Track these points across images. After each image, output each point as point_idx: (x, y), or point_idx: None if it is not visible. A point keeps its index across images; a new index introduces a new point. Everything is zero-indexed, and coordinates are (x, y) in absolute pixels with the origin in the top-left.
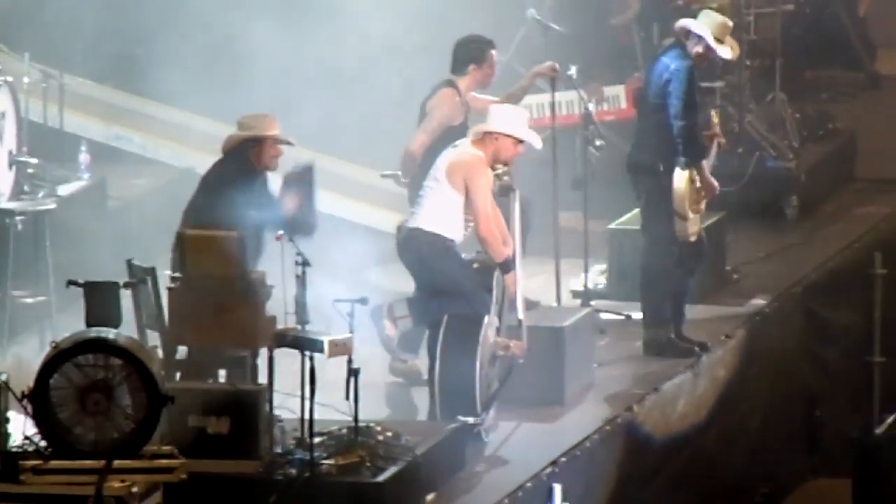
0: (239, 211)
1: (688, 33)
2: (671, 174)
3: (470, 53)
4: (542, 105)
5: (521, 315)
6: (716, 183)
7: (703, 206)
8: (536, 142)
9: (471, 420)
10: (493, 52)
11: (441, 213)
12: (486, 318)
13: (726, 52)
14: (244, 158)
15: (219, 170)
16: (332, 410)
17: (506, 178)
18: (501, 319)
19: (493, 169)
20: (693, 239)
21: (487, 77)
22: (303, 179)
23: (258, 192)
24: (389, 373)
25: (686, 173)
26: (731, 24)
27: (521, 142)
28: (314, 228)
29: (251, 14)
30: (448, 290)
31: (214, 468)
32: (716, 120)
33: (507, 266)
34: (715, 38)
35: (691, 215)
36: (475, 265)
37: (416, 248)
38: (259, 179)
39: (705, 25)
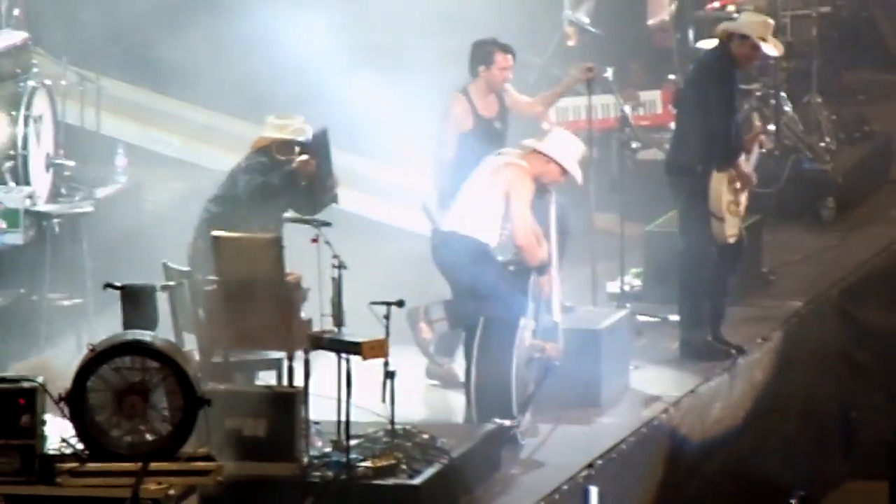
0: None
1: (730, 35)
2: (709, 176)
3: (478, 56)
4: (579, 108)
5: (557, 317)
6: (752, 174)
7: (742, 207)
8: (579, 178)
9: (507, 423)
10: (503, 53)
11: (479, 218)
12: (523, 321)
13: (772, 50)
14: (276, 157)
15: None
16: (368, 413)
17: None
18: (538, 321)
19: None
20: (732, 241)
21: (497, 78)
22: (318, 143)
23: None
24: (426, 376)
25: (724, 175)
26: (772, 22)
27: (566, 172)
28: (334, 191)
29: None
30: (484, 293)
31: (251, 470)
32: (757, 122)
33: (543, 269)
34: (759, 38)
35: (728, 217)
36: (511, 267)
37: (452, 252)
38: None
39: (749, 26)
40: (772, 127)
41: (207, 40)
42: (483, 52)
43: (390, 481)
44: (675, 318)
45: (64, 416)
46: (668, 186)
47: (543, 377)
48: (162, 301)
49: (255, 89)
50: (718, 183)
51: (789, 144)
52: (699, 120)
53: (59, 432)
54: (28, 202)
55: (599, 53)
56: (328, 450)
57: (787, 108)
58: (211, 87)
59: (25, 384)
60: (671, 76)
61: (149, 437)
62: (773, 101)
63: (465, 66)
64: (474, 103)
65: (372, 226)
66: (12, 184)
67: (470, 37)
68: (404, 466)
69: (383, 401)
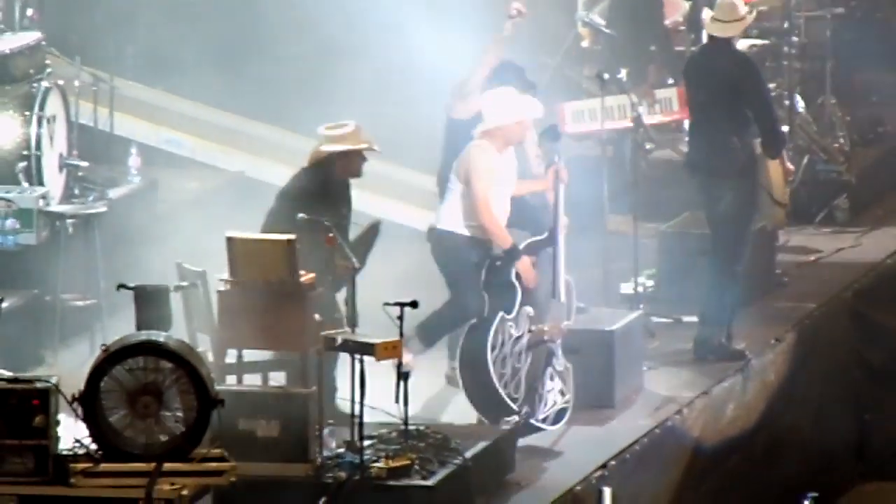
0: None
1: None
2: (753, 172)
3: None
4: (595, 110)
5: (562, 297)
6: (792, 167)
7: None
8: (535, 111)
9: (515, 418)
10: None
11: (453, 210)
12: (499, 316)
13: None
14: (331, 171)
15: (306, 183)
16: (381, 413)
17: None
18: (539, 306)
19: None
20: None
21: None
22: (366, 237)
23: (346, 199)
24: (447, 383)
25: (778, 163)
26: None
27: (522, 121)
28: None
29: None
30: (458, 291)
31: (264, 471)
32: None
33: (514, 254)
34: (715, 20)
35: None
36: (498, 262)
37: (433, 249)
38: (345, 186)
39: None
40: (786, 128)
41: (220, 40)
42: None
43: (404, 482)
44: (689, 318)
45: (77, 416)
46: (698, 188)
47: (549, 360)
48: (176, 301)
49: (268, 90)
50: (776, 170)
51: (803, 145)
52: (738, 116)
53: (72, 433)
54: (41, 202)
55: (614, 54)
56: (341, 450)
57: (801, 109)
58: (224, 87)
59: (39, 384)
60: None
61: (162, 437)
62: (786, 102)
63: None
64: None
65: (387, 226)
66: (26, 184)
67: (483, 39)
68: (418, 467)
69: (396, 401)
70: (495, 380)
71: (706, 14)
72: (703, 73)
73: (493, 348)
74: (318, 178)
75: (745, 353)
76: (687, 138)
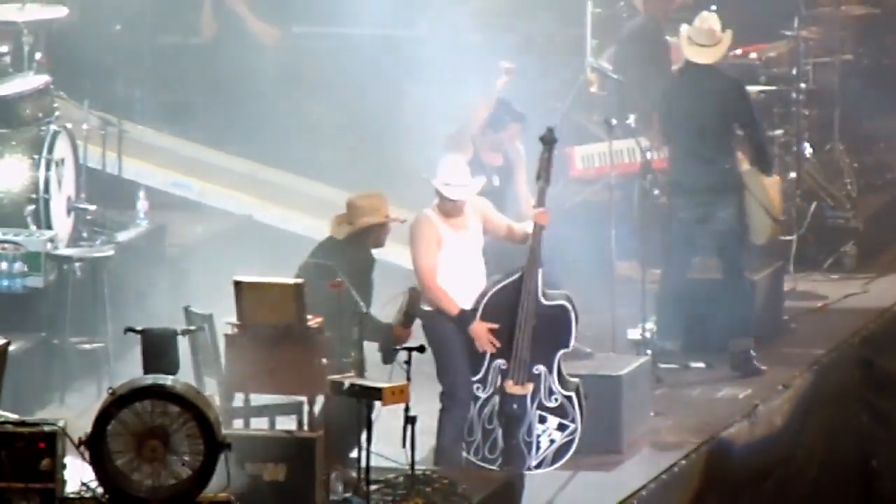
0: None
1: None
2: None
3: (493, 120)
4: (604, 154)
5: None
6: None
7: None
8: (451, 193)
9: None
10: (516, 125)
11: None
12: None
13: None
14: (365, 243)
15: (349, 259)
16: (388, 458)
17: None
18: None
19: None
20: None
21: (499, 142)
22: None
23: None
24: None
25: (773, 179)
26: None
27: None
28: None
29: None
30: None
31: None
32: None
33: (464, 320)
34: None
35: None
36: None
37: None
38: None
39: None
40: (793, 174)
41: (228, 85)
42: (499, 120)
43: None
44: (696, 365)
45: (84, 459)
46: (688, 205)
47: (535, 401)
48: (183, 345)
49: (279, 135)
50: (773, 187)
51: (811, 192)
52: (730, 134)
53: (79, 476)
54: (49, 246)
55: (622, 99)
56: (348, 495)
57: (809, 155)
58: (231, 131)
59: (46, 427)
60: None
61: (169, 481)
62: (794, 149)
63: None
64: (478, 148)
65: (395, 270)
66: (34, 227)
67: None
68: None
69: (403, 446)
70: (464, 453)
71: (684, 37)
72: (694, 95)
73: None
74: (362, 249)
75: (762, 368)
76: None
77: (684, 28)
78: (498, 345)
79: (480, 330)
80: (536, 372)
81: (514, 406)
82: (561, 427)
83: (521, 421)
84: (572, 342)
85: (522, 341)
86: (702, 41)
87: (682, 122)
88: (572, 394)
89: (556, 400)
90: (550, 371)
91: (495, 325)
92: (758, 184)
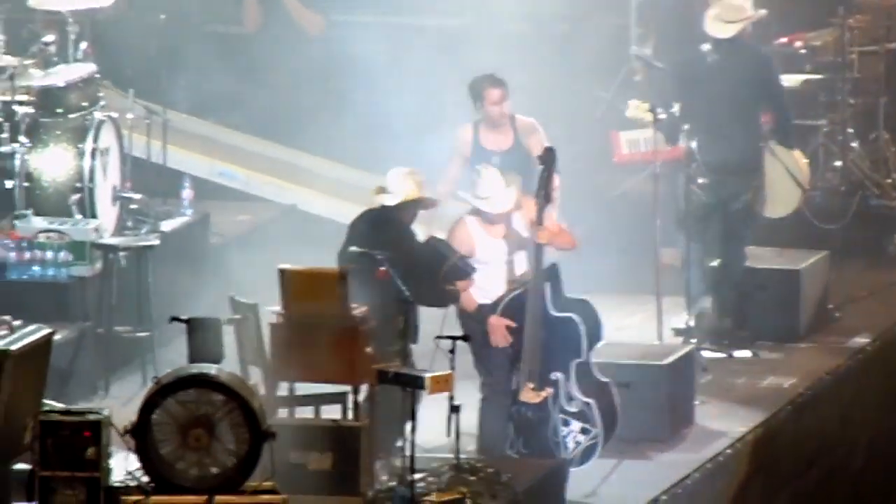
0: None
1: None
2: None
3: (473, 93)
4: (648, 139)
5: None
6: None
7: None
8: (486, 206)
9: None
10: (493, 88)
11: None
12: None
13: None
14: (407, 213)
15: (393, 237)
16: (434, 446)
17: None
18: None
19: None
20: None
21: (491, 112)
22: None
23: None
24: None
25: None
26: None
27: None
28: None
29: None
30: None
31: None
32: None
33: (484, 312)
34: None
35: None
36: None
37: None
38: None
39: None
40: (839, 163)
41: (272, 73)
42: (476, 90)
43: None
44: (741, 354)
45: (129, 448)
46: (714, 187)
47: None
48: (228, 334)
49: (323, 124)
50: (801, 157)
51: (856, 181)
52: (757, 111)
53: (124, 465)
54: (94, 235)
55: (665, 88)
56: (393, 484)
57: (855, 144)
58: (276, 120)
59: (91, 416)
60: None
61: (214, 469)
62: (840, 138)
63: (528, 101)
64: (479, 135)
65: None
66: (79, 216)
67: (534, 71)
68: (469, 501)
69: (448, 435)
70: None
71: (710, 14)
72: (723, 71)
73: None
74: (408, 216)
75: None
76: (696, 141)
77: (713, 5)
78: (510, 339)
79: (497, 323)
80: (554, 378)
81: (529, 413)
82: (584, 431)
83: (541, 425)
84: (584, 353)
85: (531, 353)
86: (729, 18)
87: (704, 100)
88: (591, 400)
89: (577, 406)
90: (568, 378)
91: (512, 323)
92: (787, 152)
